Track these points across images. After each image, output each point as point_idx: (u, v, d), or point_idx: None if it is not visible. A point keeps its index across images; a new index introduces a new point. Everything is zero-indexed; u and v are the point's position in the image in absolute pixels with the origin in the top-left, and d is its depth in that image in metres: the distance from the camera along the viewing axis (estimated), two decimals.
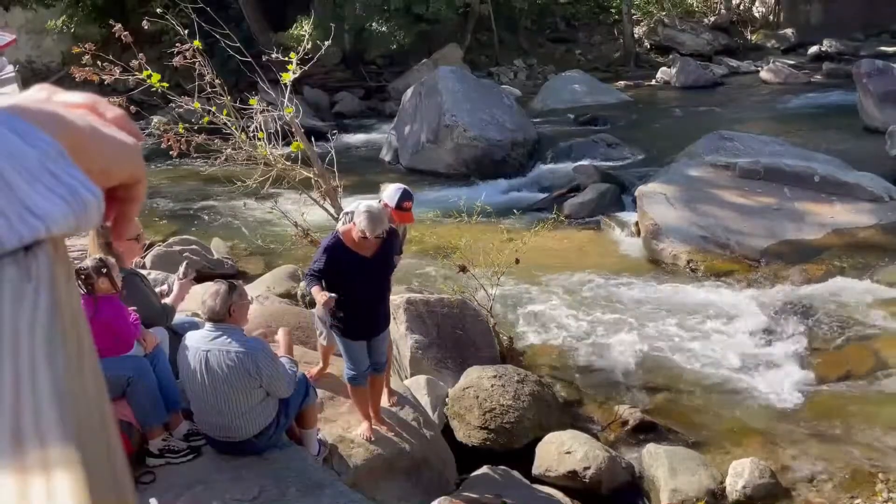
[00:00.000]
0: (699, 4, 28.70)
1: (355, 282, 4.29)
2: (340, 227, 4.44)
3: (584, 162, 12.80)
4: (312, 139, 7.27)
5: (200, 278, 6.65)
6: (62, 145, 0.44)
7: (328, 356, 4.94)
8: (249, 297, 4.19)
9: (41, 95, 0.52)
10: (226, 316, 3.85)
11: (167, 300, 4.59)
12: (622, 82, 22.46)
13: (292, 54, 6.59)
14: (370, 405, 4.67)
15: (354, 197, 6.67)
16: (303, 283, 7.33)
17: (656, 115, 18.11)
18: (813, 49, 25.29)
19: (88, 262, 3.95)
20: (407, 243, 5.59)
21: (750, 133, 12.63)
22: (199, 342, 3.87)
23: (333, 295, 4.14)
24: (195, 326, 4.41)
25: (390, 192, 4.88)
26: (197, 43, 6.42)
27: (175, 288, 4.69)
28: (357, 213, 4.20)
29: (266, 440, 3.99)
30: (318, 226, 7.74)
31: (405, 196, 4.83)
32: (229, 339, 3.82)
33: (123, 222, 0.54)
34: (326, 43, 7.19)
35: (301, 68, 6.67)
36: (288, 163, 6.93)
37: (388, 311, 4.71)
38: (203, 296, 4.01)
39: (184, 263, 4.91)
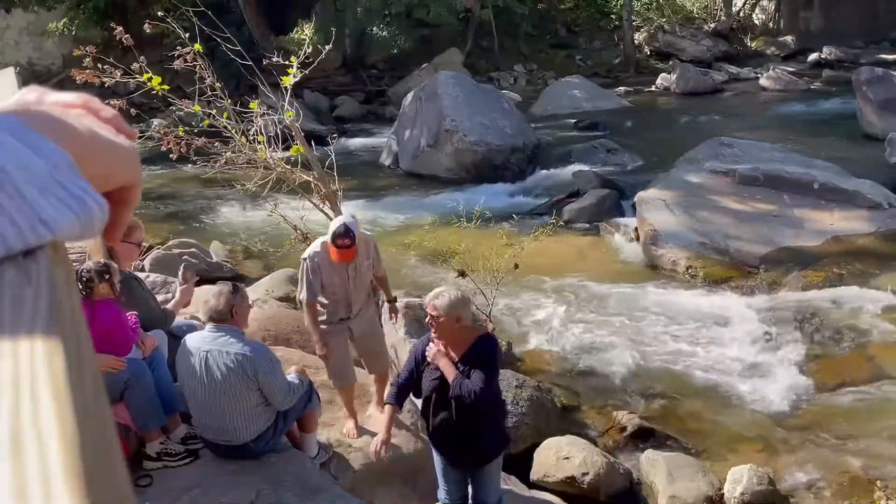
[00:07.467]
0: (699, 11, 28.79)
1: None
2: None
3: (584, 167, 12.83)
4: (312, 143, 7.27)
5: (200, 281, 6.65)
6: (69, 155, 0.45)
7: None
8: (250, 301, 4.19)
9: (31, 97, 0.52)
10: (228, 317, 3.84)
11: (169, 305, 4.58)
12: (622, 88, 22.52)
13: (293, 58, 6.59)
14: None
15: (354, 201, 6.68)
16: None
17: (656, 120, 18.13)
18: (813, 56, 25.36)
19: (91, 265, 3.92)
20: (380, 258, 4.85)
21: (749, 139, 12.64)
22: (200, 342, 3.86)
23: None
24: (194, 329, 4.40)
25: (333, 222, 4.28)
26: (198, 46, 6.42)
27: (177, 294, 4.69)
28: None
29: (264, 444, 3.97)
30: (317, 229, 7.73)
31: (338, 233, 4.12)
32: (230, 340, 3.80)
33: (116, 226, 0.54)
34: (327, 47, 7.20)
35: (302, 72, 6.67)
36: (288, 166, 6.93)
37: (497, 434, 3.93)
38: (206, 297, 4.01)
39: (182, 267, 4.90)
